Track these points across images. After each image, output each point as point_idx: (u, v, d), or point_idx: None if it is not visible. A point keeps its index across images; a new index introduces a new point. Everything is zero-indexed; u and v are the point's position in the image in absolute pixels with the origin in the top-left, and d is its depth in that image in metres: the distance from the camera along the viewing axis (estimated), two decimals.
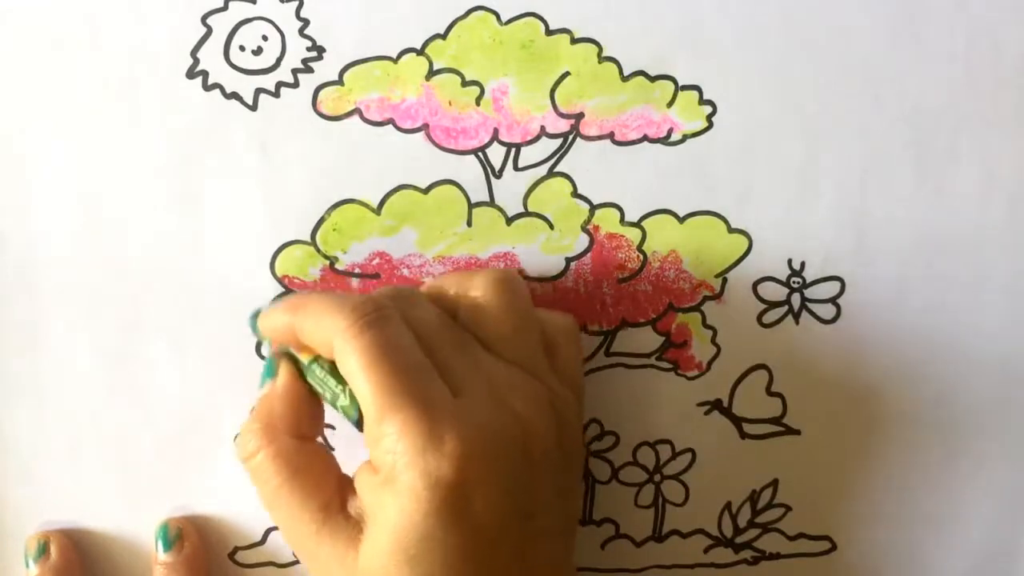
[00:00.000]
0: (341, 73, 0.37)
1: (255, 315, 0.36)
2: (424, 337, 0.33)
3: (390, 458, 0.31)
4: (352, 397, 0.33)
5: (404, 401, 0.31)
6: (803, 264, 0.39)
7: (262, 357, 0.38)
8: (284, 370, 0.35)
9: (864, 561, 0.41)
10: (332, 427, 0.39)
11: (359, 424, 0.32)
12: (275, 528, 0.40)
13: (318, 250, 0.38)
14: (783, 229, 0.39)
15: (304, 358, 0.34)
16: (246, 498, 0.39)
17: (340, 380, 0.33)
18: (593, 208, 0.38)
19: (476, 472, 0.31)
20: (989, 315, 0.39)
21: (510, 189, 0.38)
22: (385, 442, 0.31)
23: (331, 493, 0.33)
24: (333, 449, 0.39)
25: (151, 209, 0.38)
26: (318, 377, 0.34)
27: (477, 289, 0.35)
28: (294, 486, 0.33)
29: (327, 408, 0.35)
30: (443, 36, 0.37)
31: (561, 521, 0.34)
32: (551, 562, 0.33)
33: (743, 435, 0.40)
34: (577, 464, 0.36)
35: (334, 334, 0.32)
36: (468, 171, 0.38)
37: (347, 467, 0.35)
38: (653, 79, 0.38)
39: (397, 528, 0.31)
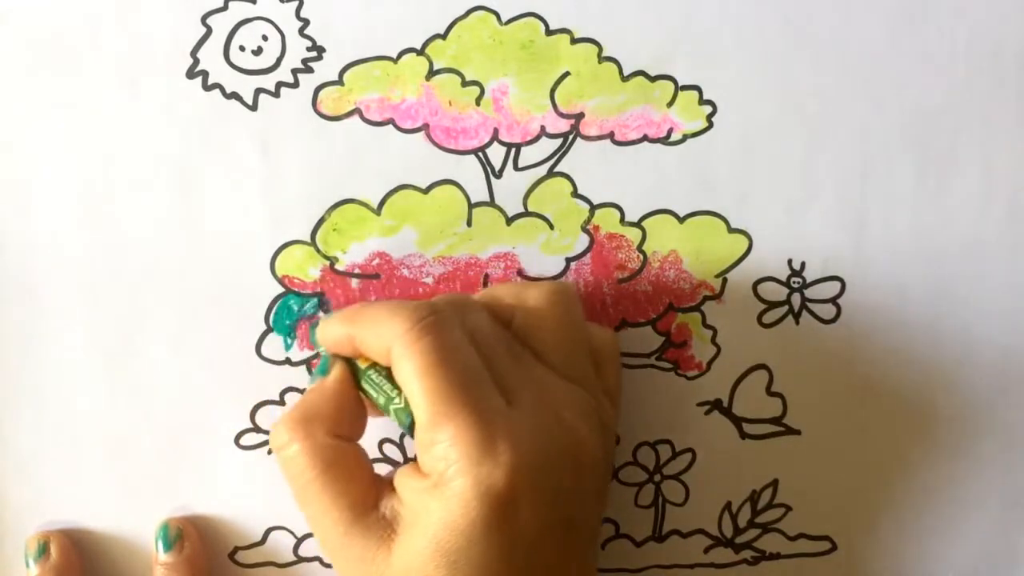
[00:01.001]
0: (341, 73, 0.37)
1: (315, 326, 0.36)
2: (480, 345, 0.33)
3: (442, 464, 0.31)
4: (406, 402, 0.33)
5: (459, 408, 0.31)
6: (803, 264, 0.39)
7: (308, 365, 0.38)
8: (338, 368, 0.35)
9: (864, 561, 0.41)
10: None
11: (411, 429, 0.32)
12: (275, 528, 0.40)
13: (318, 250, 0.38)
14: (783, 229, 0.39)
15: (362, 364, 0.35)
16: (246, 498, 0.39)
17: (396, 386, 0.33)
18: (593, 208, 0.38)
19: (527, 482, 0.31)
20: (989, 315, 0.39)
21: (510, 189, 0.38)
22: (437, 448, 0.31)
23: (364, 491, 0.33)
24: None
25: (151, 209, 0.38)
26: (374, 381, 0.34)
27: (533, 300, 0.35)
28: (326, 481, 0.33)
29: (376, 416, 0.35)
30: (443, 36, 0.37)
31: (595, 528, 0.35)
32: (585, 567, 0.34)
33: (743, 435, 0.40)
34: (610, 474, 0.36)
35: (393, 339, 0.32)
36: (468, 171, 0.38)
37: None
38: (653, 79, 0.38)
39: (440, 532, 0.31)
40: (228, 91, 0.37)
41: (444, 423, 0.31)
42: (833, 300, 0.39)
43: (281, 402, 0.39)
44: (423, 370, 0.31)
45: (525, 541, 0.31)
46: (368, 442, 0.39)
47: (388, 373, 0.34)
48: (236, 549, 0.40)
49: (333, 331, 0.35)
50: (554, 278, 0.39)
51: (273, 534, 0.40)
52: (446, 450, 0.31)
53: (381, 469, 0.39)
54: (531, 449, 0.31)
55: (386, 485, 0.34)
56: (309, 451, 0.33)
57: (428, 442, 0.31)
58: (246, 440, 0.39)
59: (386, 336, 0.32)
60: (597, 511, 0.35)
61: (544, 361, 0.34)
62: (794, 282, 0.39)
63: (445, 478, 0.31)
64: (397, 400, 0.33)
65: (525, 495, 0.31)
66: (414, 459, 0.33)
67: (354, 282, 0.38)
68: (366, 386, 0.34)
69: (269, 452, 0.39)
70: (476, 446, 0.31)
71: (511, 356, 0.34)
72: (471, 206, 0.38)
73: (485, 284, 0.39)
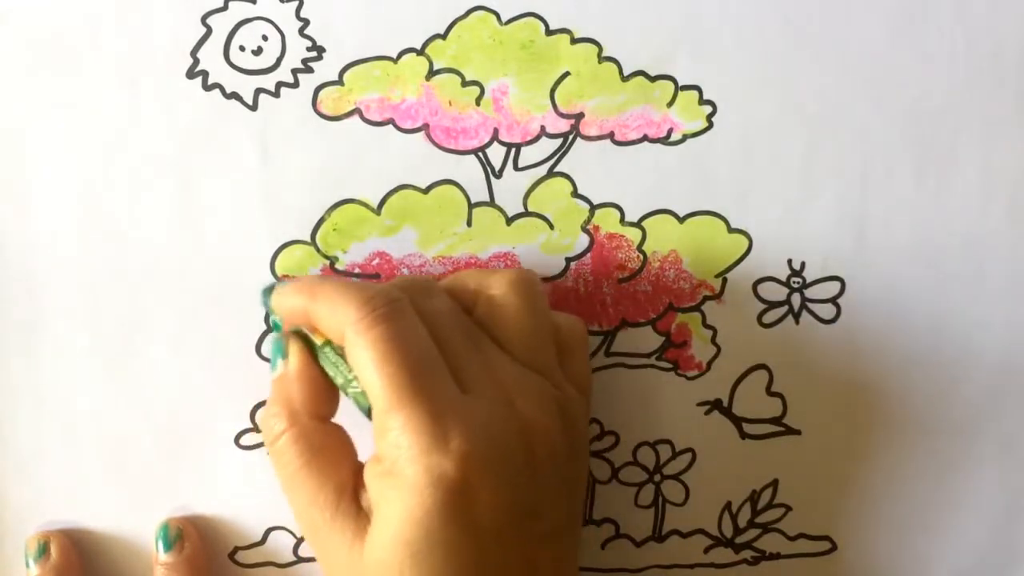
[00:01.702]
0: (341, 73, 0.37)
1: (268, 290, 0.36)
2: (437, 329, 0.33)
3: (394, 452, 0.31)
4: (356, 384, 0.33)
5: (411, 397, 0.31)
6: (803, 264, 0.39)
7: (269, 328, 0.38)
8: (295, 351, 0.35)
9: (864, 561, 0.41)
10: None
11: (368, 414, 0.33)
12: (275, 528, 0.40)
13: (318, 250, 0.38)
14: (783, 229, 0.39)
15: (317, 339, 0.34)
16: (246, 498, 0.39)
17: (340, 364, 0.33)
18: (593, 208, 0.38)
19: (479, 471, 0.31)
20: (989, 315, 0.39)
21: (510, 189, 0.38)
22: (391, 436, 0.31)
23: (346, 476, 0.33)
24: None
25: (151, 209, 0.38)
26: (331, 360, 0.34)
27: (496, 287, 0.35)
28: (312, 468, 0.33)
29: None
30: (443, 36, 0.37)
31: (565, 521, 0.34)
32: (555, 562, 0.33)
33: (743, 435, 0.40)
34: (582, 466, 0.36)
35: (346, 325, 0.32)
36: (468, 171, 0.38)
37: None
38: (653, 79, 0.38)
39: (400, 523, 0.31)
40: (228, 91, 0.37)
41: (396, 411, 0.31)
42: (833, 300, 0.39)
43: None
44: (376, 359, 0.31)
45: (486, 530, 0.31)
46: (368, 443, 0.39)
47: (343, 351, 0.33)
48: (236, 549, 0.40)
49: (288, 301, 0.34)
50: (554, 278, 0.39)
51: (273, 534, 0.40)
52: (398, 438, 0.31)
53: None
54: (483, 436, 0.31)
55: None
56: (296, 438, 0.34)
57: (383, 429, 0.31)
58: (246, 440, 0.39)
59: (340, 320, 0.32)
60: (565, 505, 0.34)
61: (504, 349, 0.34)
62: (794, 282, 0.39)
63: (398, 466, 0.31)
64: (356, 384, 0.33)
65: (478, 483, 0.31)
66: None
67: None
68: (324, 364, 0.34)
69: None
70: (427, 435, 0.31)
71: (469, 342, 0.34)
72: (471, 206, 0.38)
73: None
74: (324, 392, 0.35)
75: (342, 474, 0.33)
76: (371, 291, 0.33)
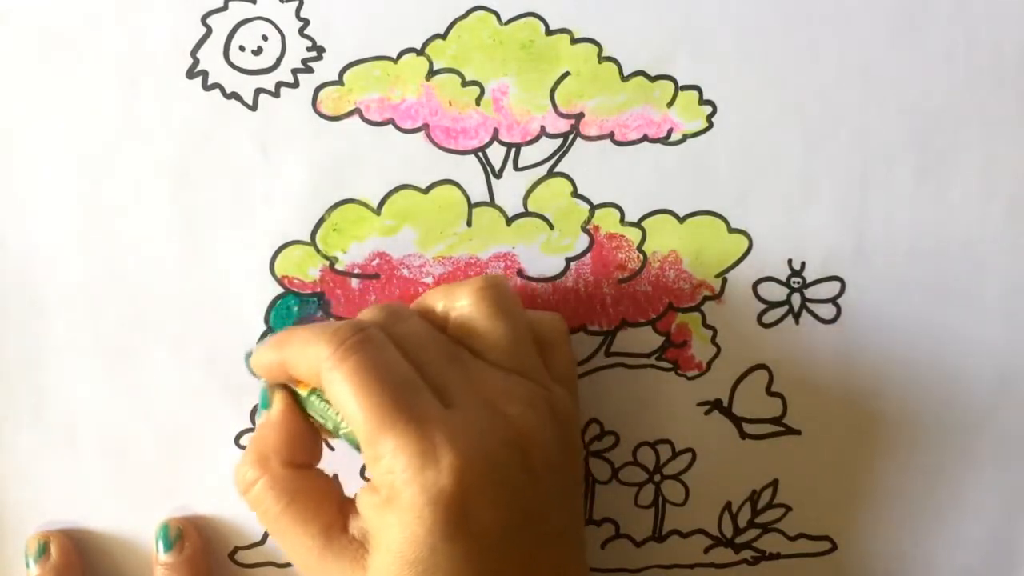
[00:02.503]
0: (341, 73, 0.37)
1: (248, 356, 0.36)
2: (412, 352, 0.33)
3: (389, 477, 0.31)
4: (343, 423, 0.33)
5: (395, 419, 0.31)
6: (803, 264, 0.39)
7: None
8: (278, 401, 0.35)
9: (864, 561, 0.41)
10: (331, 448, 0.39)
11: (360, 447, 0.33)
12: None
13: (318, 250, 0.38)
14: (783, 229, 0.39)
15: (302, 390, 0.35)
16: None
17: (326, 409, 0.34)
18: (593, 208, 0.38)
19: (475, 482, 0.31)
20: (989, 315, 0.39)
21: (510, 189, 0.38)
22: (382, 462, 0.31)
23: (332, 516, 0.33)
24: (333, 449, 0.39)
25: (151, 209, 0.38)
26: (318, 408, 0.34)
27: (462, 299, 0.35)
28: (294, 512, 0.33)
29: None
30: (443, 36, 0.37)
31: (566, 522, 0.34)
32: (561, 564, 0.33)
33: (743, 435, 0.40)
34: (577, 463, 0.36)
35: (319, 364, 0.32)
36: (468, 171, 0.38)
37: (345, 461, 0.36)
38: (653, 79, 0.38)
39: (403, 546, 0.31)
40: (228, 91, 0.37)
41: (383, 436, 0.31)
42: (833, 300, 0.39)
43: None
44: (354, 389, 0.31)
45: (488, 543, 0.31)
46: None
47: (322, 397, 0.34)
48: (236, 549, 0.40)
49: (264, 358, 0.35)
50: (554, 278, 0.39)
51: None
52: (390, 463, 0.31)
53: None
54: (473, 447, 0.31)
55: (353, 506, 0.34)
56: (270, 485, 0.34)
57: (373, 457, 0.31)
58: (246, 440, 0.39)
59: (313, 361, 0.32)
60: (565, 506, 0.34)
61: (483, 358, 0.34)
62: (794, 282, 0.39)
63: (395, 490, 0.31)
64: (345, 424, 0.33)
65: (477, 495, 0.31)
66: None
67: (354, 282, 0.38)
68: (311, 413, 0.35)
69: None
70: (417, 454, 0.31)
71: (446, 358, 0.33)
72: (471, 206, 0.38)
73: None
74: (301, 439, 0.35)
75: (326, 514, 0.33)
76: (338, 325, 0.33)
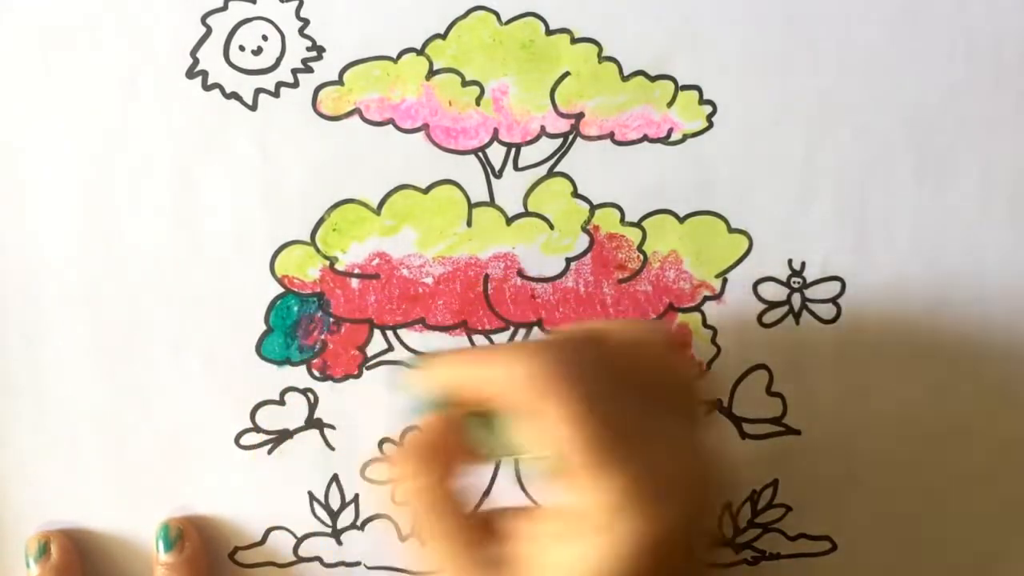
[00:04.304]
0: (341, 73, 0.37)
1: (408, 365, 0.36)
2: (608, 384, 0.32)
3: (592, 513, 0.30)
4: (524, 448, 0.32)
5: (613, 454, 0.30)
6: (803, 264, 0.39)
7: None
8: (439, 416, 0.34)
9: (864, 561, 0.41)
10: (332, 427, 0.39)
11: (545, 473, 0.31)
12: (275, 528, 0.40)
13: (318, 250, 0.38)
14: (783, 229, 0.39)
15: (464, 413, 0.33)
16: (246, 498, 0.39)
17: (494, 431, 0.33)
18: (593, 208, 0.38)
19: (680, 529, 0.30)
20: (989, 315, 0.39)
21: (510, 189, 0.38)
22: (586, 497, 0.30)
23: (472, 533, 0.33)
24: (333, 449, 0.39)
25: (151, 209, 0.38)
26: (479, 431, 0.33)
27: (625, 337, 0.34)
28: (438, 525, 0.33)
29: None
30: (443, 36, 0.37)
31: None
32: None
33: (743, 435, 0.40)
34: None
35: (525, 384, 0.31)
36: (468, 171, 0.38)
37: (345, 461, 0.35)
38: (653, 79, 0.38)
39: None
40: (228, 91, 0.37)
41: (597, 470, 0.30)
42: (833, 300, 0.39)
43: (281, 402, 0.39)
44: (568, 418, 0.30)
45: None
46: (368, 443, 0.39)
47: (489, 420, 0.33)
48: (236, 549, 0.40)
49: (442, 374, 0.33)
50: (554, 278, 0.39)
51: (273, 534, 0.40)
52: (595, 500, 0.30)
53: (381, 469, 0.39)
54: (681, 496, 0.30)
55: (491, 529, 0.33)
56: (421, 492, 0.33)
57: (575, 488, 0.30)
58: (246, 440, 0.39)
59: (514, 381, 0.31)
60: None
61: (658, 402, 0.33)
62: (794, 282, 0.39)
63: (595, 527, 0.30)
64: (505, 448, 0.32)
65: (673, 543, 0.30)
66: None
67: (354, 282, 0.38)
68: (471, 431, 0.33)
69: (269, 452, 0.39)
70: (629, 495, 0.30)
71: (636, 399, 0.32)
72: (471, 206, 0.38)
73: (485, 284, 0.39)
74: (460, 453, 0.34)
75: (467, 530, 0.33)
76: (540, 347, 0.32)
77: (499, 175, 0.38)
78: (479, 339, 0.39)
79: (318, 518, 0.40)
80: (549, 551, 0.31)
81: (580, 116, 0.38)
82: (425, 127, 0.38)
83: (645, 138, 0.38)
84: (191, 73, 0.37)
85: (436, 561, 0.33)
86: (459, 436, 0.33)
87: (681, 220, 0.38)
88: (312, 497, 0.39)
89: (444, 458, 0.33)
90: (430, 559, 0.33)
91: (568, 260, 0.39)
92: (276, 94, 0.37)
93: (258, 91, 0.37)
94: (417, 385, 0.34)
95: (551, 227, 0.38)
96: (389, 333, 0.39)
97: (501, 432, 0.32)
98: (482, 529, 0.33)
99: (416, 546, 0.34)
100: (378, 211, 0.38)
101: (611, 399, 0.31)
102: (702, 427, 0.34)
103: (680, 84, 0.38)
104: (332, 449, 0.39)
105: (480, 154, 0.38)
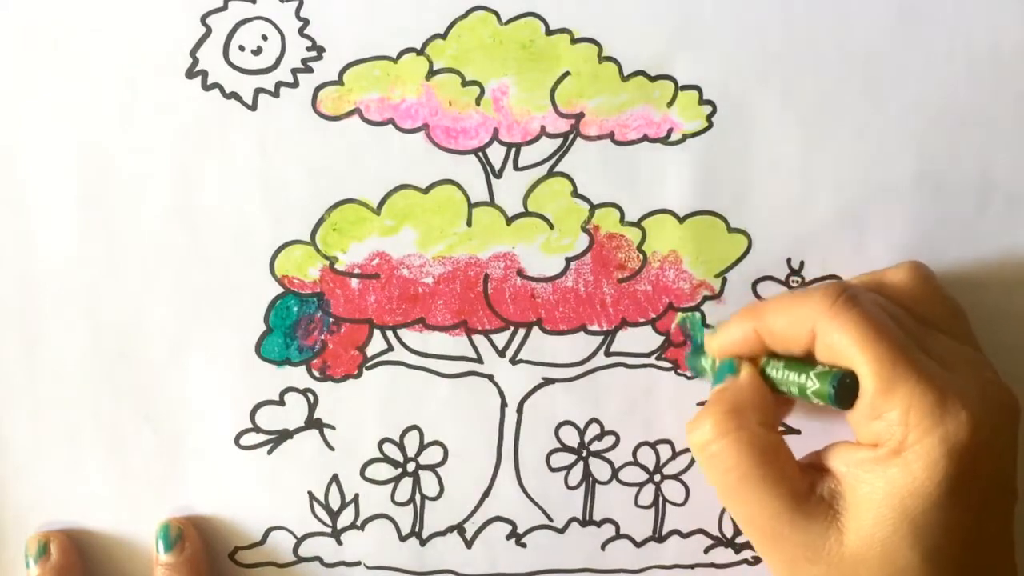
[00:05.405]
0: (341, 73, 0.37)
1: (694, 350, 0.38)
2: (894, 316, 0.34)
3: (899, 430, 0.32)
4: (822, 379, 0.33)
5: (908, 372, 0.32)
6: (803, 264, 0.39)
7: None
8: (747, 366, 0.36)
9: None
10: (332, 427, 0.39)
11: (839, 401, 0.33)
12: (275, 528, 0.40)
13: (318, 250, 0.38)
14: (783, 229, 0.39)
15: (760, 360, 0.36)
16: (246, 498, 0.39)
17: (799, 371, 0.34)
18: (593, 208, 0.38)
19: (986, 441, 0.32)
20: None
21: (510, 189, 0.38)
22: (892, 415, 0.32)
23: (799, 479, 0.34)
24: (333, 449, 0.39)
25: (150, 209, 0.38)
26: (776, 376, 0.35)
27: (899, 279, 0.36)
28: (764, 474, 0.34)
29: None
30: (443, 36, 0.37)
31: (1015, 499, 0.35)
32: (1011, 538, 0.34)
33: None
34: None
35: (816, 317, 0.33)
36: (468, 171, 0.38)
37: (345, 461, 0.35)
38: (653, 79, 0.38)
39: (904, 498, 0.31)
40: (227, 91, 0.37)
41: (896, 389, 0.32)
42: None
43: (281, 402, 0.39)
44: (860, 339, 0.32)
45: (975, 503, 0.32)
46: (368, 443, 0.39)
47: (786, 363, 0.35)
48: (236, 549, 0.40)
49: (735, 332, 0.36)
50: (554, 278, 0.39)
51: (273, 534, 0.40)
52: (903, 415, 0.32)
53: (381, 469, 0.39)
54: (981, 406, 0.32)
55: (813, 468, 0.34)
56: (743, 442, 0.34)
57: (879, 410, 0.32)
58: (246, 440, 0.39)
59: (805, 318, 0.33)
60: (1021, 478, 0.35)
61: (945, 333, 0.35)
62: (794, 282, 0.39)
63: (906, 443, 0.31)
64: (811, 382, 0.34)
65: (984, 454, 0.32)
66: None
67: (354, 282, 0.38)
68: (771, 378, 0.35)
69: (269, 452, 0.39)
70: (936, 406, 0.31)
71: (921, 328, 0.34)
72: (471, 206, 0.38)
73: (485, 284, 0.39)
74: (772, 402, 0.35)
75: (794, 475, 0.34)
76: (823, 285, 0.34)
77: (499, 175, 0.38)
78: (479, 339, 0.39)
79: (318, 518, 0.40)
80: (862, 481, 0.32)
81: (580, 116, 0.38)
82: (425, 127, 0.38)
83: (645, 138, 0.38)
84: (191, 73, 0.37)
85: (753, 522, 0.34)
86: (763, 387, 0.35)
87: (681, 220, 0.38)
88: (312, 497, 0.39)
89: (760, 409, 0.35)
90: (747, 520, 0.34)
91: (568, 260, 0.39)
92: (276, 94, 0.37)
93: (258, 91, 0.37)
94: (717, 348, 0.36)
95: (551, 227, 0.38)
96: (389, 333, 0.39)
97: (801, 372, 0.34)
98: (806, 472, 0.34)
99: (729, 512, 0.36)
100: (378, 211, 0.38)
101: (889, 323, 0.33)
102: (979, 348, 0.36)
103: (680, 84, 0.38)
104: (332, 449, 0.39)
105: (480, 154, 0.38)
